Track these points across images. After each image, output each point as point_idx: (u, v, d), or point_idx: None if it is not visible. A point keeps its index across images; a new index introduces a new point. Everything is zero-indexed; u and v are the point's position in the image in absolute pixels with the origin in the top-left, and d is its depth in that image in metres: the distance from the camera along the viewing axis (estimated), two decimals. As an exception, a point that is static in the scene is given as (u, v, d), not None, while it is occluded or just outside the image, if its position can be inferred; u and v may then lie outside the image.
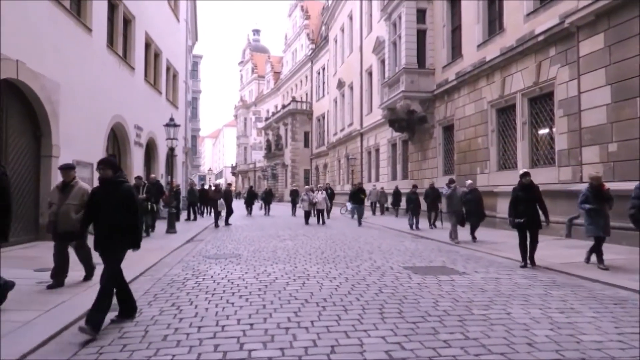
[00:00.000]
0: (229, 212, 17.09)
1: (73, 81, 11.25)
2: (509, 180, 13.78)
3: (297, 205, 23.00)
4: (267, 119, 61.23)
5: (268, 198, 26.48)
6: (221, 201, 16.41)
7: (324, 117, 45.02)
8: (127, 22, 15.63)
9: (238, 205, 28.31)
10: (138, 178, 11.61)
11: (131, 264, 7.57)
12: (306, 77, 51.57)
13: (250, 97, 75.29)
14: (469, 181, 11.61)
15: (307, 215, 17.74)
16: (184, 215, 19.31)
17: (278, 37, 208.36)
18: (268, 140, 58.73)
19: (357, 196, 17.44)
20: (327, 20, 40.42)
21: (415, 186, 16.02)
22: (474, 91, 15.93)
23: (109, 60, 13.81)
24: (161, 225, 13.15)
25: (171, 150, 13.35)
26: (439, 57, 18.78)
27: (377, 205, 24.43)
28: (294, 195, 24.82)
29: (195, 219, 18.77)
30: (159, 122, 16.73)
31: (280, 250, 9.39)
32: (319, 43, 46.85)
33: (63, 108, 10.64)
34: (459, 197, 10.69)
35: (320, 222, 17.62)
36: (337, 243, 10.78)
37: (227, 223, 16.75)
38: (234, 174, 79.16)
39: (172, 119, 13.44)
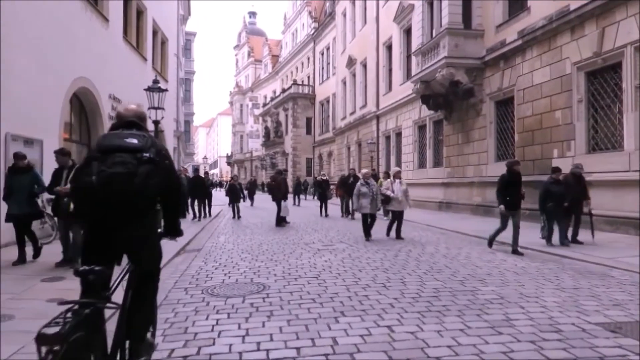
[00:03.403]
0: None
1: (5, 19, 7.53)
2: (608, 165, 10.38)
3: (331, 202, 17.73)
4: (265, 104, 57.35)
5: (252, 189, 26.27)
6: (286, 204, 12.62)
7: (328, 102, 41.34)
8: (97, -43, 11.84)
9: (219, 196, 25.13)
10: (61, 153, 6.42)
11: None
12: (308, 58, 47.69)
13: (246, 82, 71.25)
14: None
15: (368, 222, 9.66)
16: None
17: (275, 20, 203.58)
18: (266, 127, 54.90)
19: (512, 195, 7.77)
20: (334, -8, 36.54)
21: (557, 170, 8.87)
22: (548, 52, 12.34)
23: (69, 1, 10.06)
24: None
25: (156, 124, 9.69)
26: (489, 15, 15.15)
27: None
28: (323, 189, 17.38)
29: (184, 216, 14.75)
30: (143, 94, 12.97)
31: (328, 275, 5.80)
32: (323, 21, 42.98)
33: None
34: None
35: (390, 233, 10.08)
36: (402, 257, 7.22)
37: (283, 221, 12.74)
38: (229, 163, 75.29)
39: (156, 81, 9.75)
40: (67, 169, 6.24)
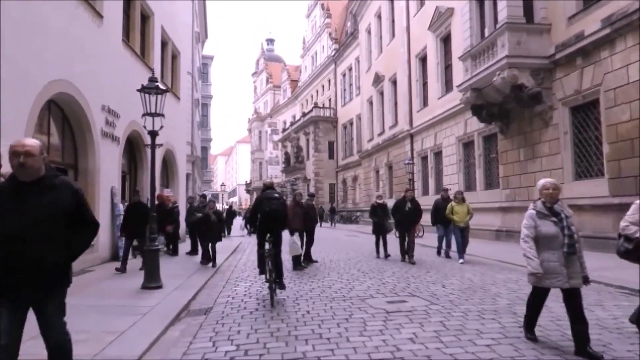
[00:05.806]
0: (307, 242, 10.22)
1: None
2: None
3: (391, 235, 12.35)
4: (284, 130, 55.46)
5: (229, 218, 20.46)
6: (293, 239, 8.17)
7: (351, 124, 39.05)
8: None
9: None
10: None
11: None
12: (329, 81, 45.75)
13: (265, 109, 69.85)
14: None
15: (536, 302, 4.11)
16: (184, 246, 13.16)
17: (293, 47, 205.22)
18: (286, 153, 52.78)
19: None
20: (356, 10, 34.68)
21: None
22: (651, 38, 9.70)
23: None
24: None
25: (152, 135, 7.25)
26: (557, 6, 12.62)
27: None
28: (380, 217, 11.61)
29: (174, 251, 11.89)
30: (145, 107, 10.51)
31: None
32: (344, 41, 41.14)
33: None
34: None
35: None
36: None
37: (300, 263, 9.62)
38: (248, 191, 73.27)
39: (153, 79, 7.33)
40: None
